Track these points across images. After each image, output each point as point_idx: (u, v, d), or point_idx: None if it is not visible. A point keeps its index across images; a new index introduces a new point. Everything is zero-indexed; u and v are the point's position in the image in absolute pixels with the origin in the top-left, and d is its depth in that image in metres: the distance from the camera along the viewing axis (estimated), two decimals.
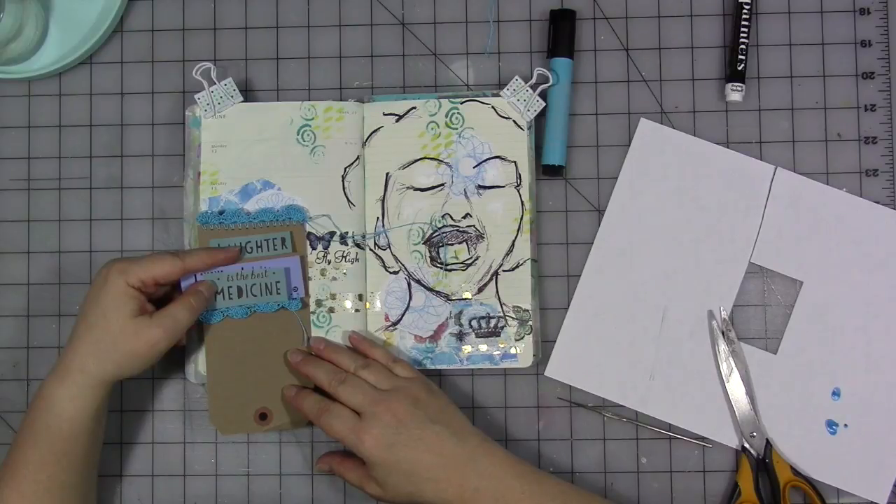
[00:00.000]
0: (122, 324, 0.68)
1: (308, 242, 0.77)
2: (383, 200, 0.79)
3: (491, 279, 0.78)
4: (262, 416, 0.75)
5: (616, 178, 0.79)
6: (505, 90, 0.78)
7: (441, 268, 0.78)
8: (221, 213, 0.77)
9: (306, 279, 0.77)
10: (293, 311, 0.76)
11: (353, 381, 0.71)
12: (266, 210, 0.77)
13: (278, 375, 0.75)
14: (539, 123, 0.79)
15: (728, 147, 0.79)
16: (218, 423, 0.75)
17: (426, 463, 0.68)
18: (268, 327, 0.75)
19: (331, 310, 0.77)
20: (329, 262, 0.77)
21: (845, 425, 0.76)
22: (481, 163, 0.78)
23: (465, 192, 0.78)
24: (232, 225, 0.76)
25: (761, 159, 0.79)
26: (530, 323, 0.77)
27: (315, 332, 0.77)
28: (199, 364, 0.76)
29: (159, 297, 0.73)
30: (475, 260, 0.78)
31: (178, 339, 0.72)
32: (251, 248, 0.76)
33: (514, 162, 0.78)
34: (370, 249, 0.78)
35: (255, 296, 0.75)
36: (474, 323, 0.77)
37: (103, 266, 0.70)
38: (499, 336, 0.77)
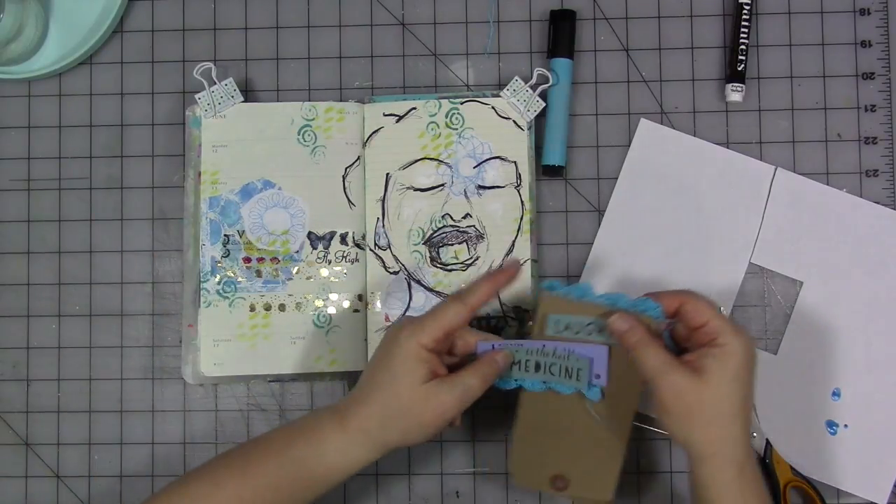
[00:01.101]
0: (413, 390, 0.64)
1: (309, 241, 0.77)
2: (383, 201, 0.79)
3: None
4: (558, 480, 0.70)
5: (616, 178, 0.79)
6: (505, 90, 0.78)
7: (441, 268, 0.78)
8: (568, 285, 0.71)
9: (611, 368, 0.69)
10: (589, 400, 0.69)
11: None
12: (620, 296, 0.69)
13: (576, 447, 0.70)
14: (539, 123, 0.79)
15: (728, 147, 0.79)
16: (517, 473, 0.71)
17: (749, 404, 0.64)
18: (565, 401, 0.70)
19: (331, 310, 0.77)
20: (329, 262, 0.77)
21: (845, 425, 0.76)
22: (481, 163, 0.78)
23: (465, 193, 0.78)
24: (577, 299, 0.70)
25: (761, 159, 0.79)
26: (530, 323, 0.77)
27: (315, 332, 0.77)
28: (197, 364, 0.76)
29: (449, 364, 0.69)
30: (475, 260, 0.78)
31: (466, 407, 0.66)
32: (573, 327, 0.69)
33: (514, 162, 0.78)
34: (370, 249, 0.78)
35: (553, 375, 0.69)
36: (474, 323, 0.77)
37: (392, 327, 0.67)
38: (499, 336, 0.77)
